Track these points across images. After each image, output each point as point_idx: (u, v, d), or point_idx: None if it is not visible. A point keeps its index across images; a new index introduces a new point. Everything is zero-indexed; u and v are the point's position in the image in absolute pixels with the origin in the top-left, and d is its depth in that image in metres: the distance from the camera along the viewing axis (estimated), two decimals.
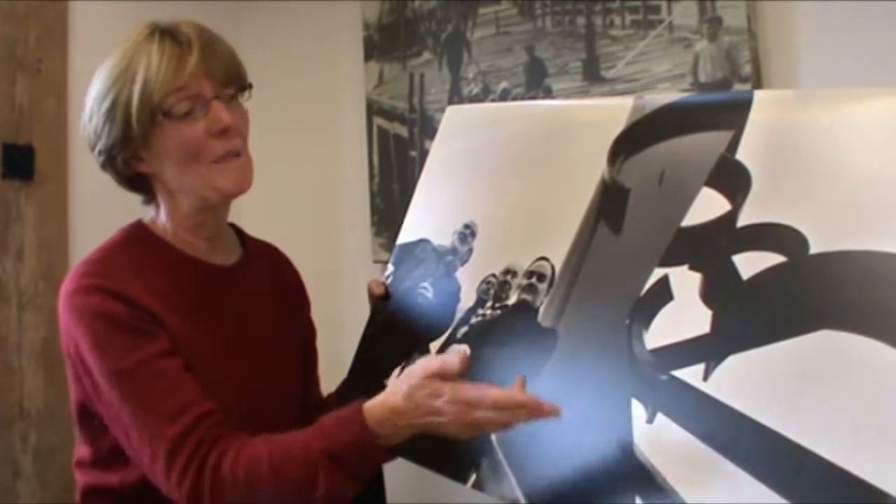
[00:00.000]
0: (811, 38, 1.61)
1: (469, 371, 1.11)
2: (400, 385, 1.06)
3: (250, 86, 1.25)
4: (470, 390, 1.00)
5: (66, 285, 1.17)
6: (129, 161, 1.20)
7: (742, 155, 0.96)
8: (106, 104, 1.17)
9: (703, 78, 1.68)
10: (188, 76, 1.15)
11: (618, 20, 1.81)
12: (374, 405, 1.06)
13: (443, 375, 1.02)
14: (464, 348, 1.11)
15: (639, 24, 1.77)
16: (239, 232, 1.40)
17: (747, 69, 1.63)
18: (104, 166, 1.22)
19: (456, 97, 2.07)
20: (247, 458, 1.06)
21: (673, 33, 1.72)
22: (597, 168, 1.10)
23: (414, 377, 1.04)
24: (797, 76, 1.62)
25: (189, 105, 1.16)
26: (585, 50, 1.85)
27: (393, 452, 1.07)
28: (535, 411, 0.97)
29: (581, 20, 1.86)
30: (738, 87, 1.64)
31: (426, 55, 2.14)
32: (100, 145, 1.19)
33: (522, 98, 1.94)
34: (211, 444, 1.07)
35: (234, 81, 1.21)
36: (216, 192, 1.21)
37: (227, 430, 1.09)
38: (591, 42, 1.84)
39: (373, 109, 2.24)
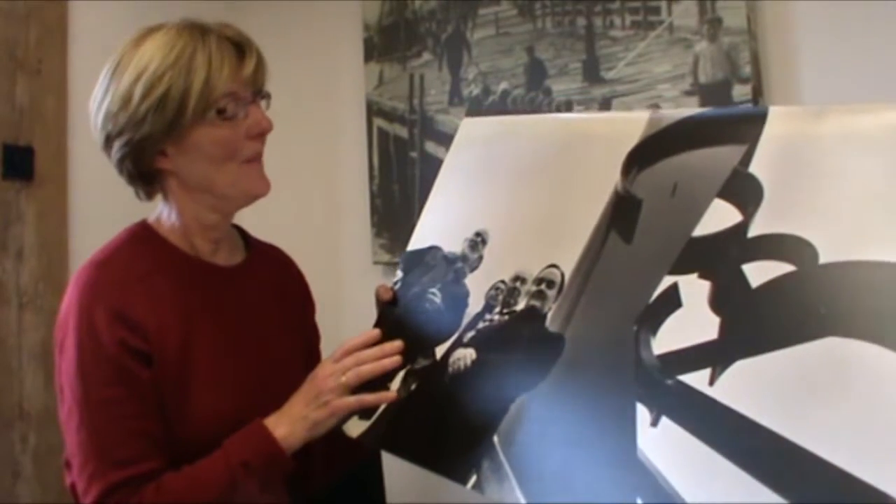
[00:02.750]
0: (811, 39, 1.61)
1: (476, 374, 1.12)
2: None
3: (269, 95, 1.28)
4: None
5: (75, 288, 1.18)
6: (154, 156, 1.20)
7: (755, 168, 0.96)
8: (156, 94, 1.15)
9: (703, 79, 1.69)
10: (243, 80, 1.20)
11: (618, 21, 1.81)
12: (272, 419, 1.19)
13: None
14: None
15: (639, 24, 1.77)
16: (243, 233, 1.40)
17: (747, 70, 1.64)
18: (122, 159, 1.21)
19: (456, 98, 2.07)
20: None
21: (673, 34, 1.72)
22: (610, 180, 1.10)
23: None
24: (797, 77, 1.63)
25: (236, 108, 1.19)
26: (585, 51, 1.85)
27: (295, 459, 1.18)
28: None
29: (581, 21, 1.86)
30: (739, 88, 1.64)
31: (426, 56, 2.14)
32: (131, 135, 1.17)
33: (522, 99, 1.94)
34: (134, 497, 1.12)
35: (263, 88, 1.25)
36: (245, 193, 1.24)
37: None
38: (591, 43, 1.85)
39: (373, 110, 2.24)
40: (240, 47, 1.21)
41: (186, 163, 1.21)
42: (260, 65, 1.23)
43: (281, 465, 1.16)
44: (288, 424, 1.17)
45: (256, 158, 1.23)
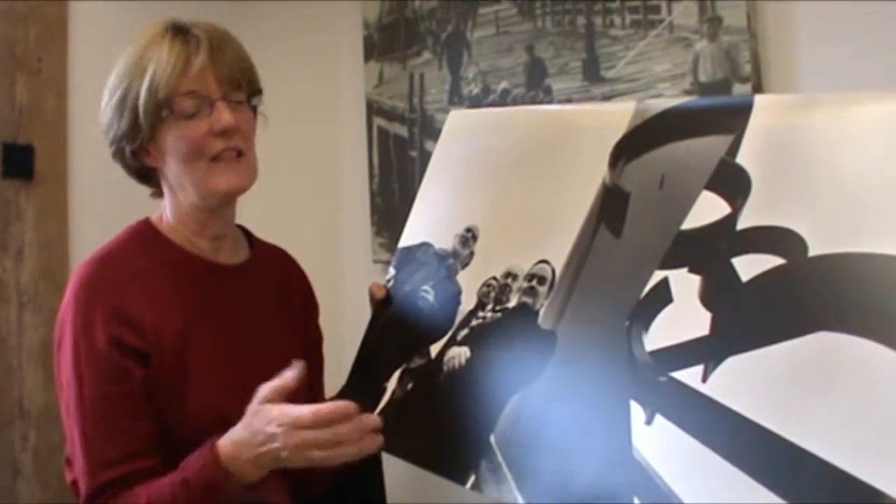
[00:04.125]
0: (811, 38, 1.61)
1: (471, 373, 1.12)
2: (244, 417, 1.09)
3: (260, 91, 1.27)
4: (291, 407, 1.04)
5: (73, 285, 1.20)
6: (136, 153, 1.23)
7: (742, 158, 0.96)
8: (117, 96, 1.20)
9: (703, 78, 1.68)
10: (195, 77, 1.18)
11: (618, 20, 1.81)
12: (223, 440, 1.09)
13: (275, 397, 1.07)
14: (300, 365, 1.10)
15: (639, 23, 1.77)
16: (248, 234, 1.41)
17: (747, 69, 1.63)
18: (114, 156, 1.26)
19: (456, 97, 2.07)
20: None
21: (673, 33, 1.72)
22: (598, 172, 1.10)
23: (252, 406, 1.08)
24: (797, 76, 1.62)
25: (195, 106, 1.19)
26: (585, 50, 1.85)
27: (250, 489, 1.09)
28: (350, 415, 1.03)
29: (581, 20, 1.86)
30: (739, 87, 1.64)
31: (426, 55, 2.14)
32: (110, 135, 1.23)
33: (522, 98, 1.94)
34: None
35: (242, 86, 1.24)
36: (211, 192, 1.22)
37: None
38: (591, 42, 1.84)
39: (373, 109, 2.24)
40: (196, 44, 1.20)
41: (165, 161, 1.23)
42: (220, 59, 1.20)
43: (216, 482, 1.09)
44: (238, 460, 1.08)
45: (227, 155, 1.21)
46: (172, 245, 1.27)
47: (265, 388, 1.08)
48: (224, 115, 1.19)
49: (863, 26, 1.54)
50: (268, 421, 1.05)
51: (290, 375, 1.08)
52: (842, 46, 1.56)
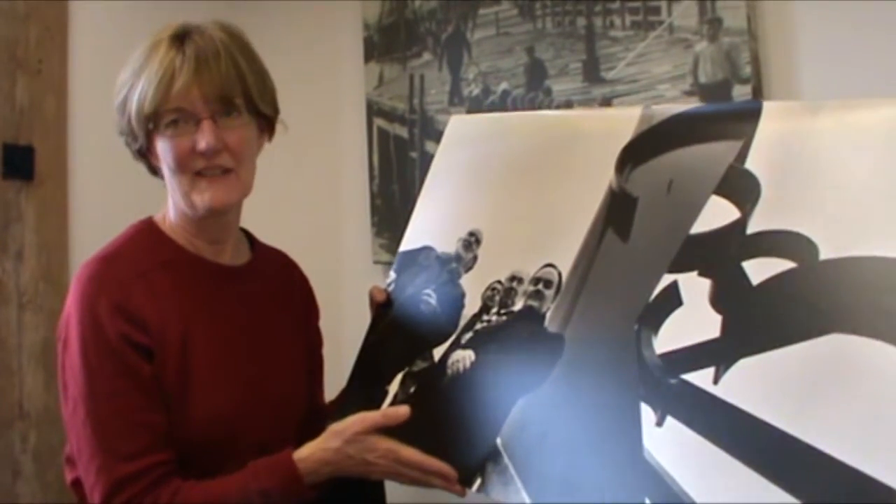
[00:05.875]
0: (811, 40, 1.61)
1: (476, 376, 1.12)
2: (330, 441, 1.16)
3: (264, 101, 1.26)
4: (404, 451, 1.12)
5: (78, 283, 1.19)
6: (140, 150, 1.25)
7: (751, 164, 0.97)
8: (119, 98, 1.22)
9: (703, 79, 1.68)
10: (179, 94, 1.17)
11: (618, 21, 1.81)
12: (304, 457, 1.16)
13: (380, 428, 1.14)
14: (405, 409, 1.16)
15: (639, 25, 1.77)
16: (249, 236, 1.41)
17: (747, 70, 1.63)
18: (125, 145, 1.27)
19: (456, 98, 2.07)
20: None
21: (673, 34, 1.72)
22: (604, 177, 1.10)
23: (347, 433, 1.14)
24: (797, 77, 1.62)
25: (181, 121, 1.18)
26: (585, 51, 1.85)
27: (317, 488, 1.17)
28: (447, 480, 1.10)
29: (581, 21, 1.86)
30: (739, 89, 1.64)
31: (426, 56, 2.14)
32: (118, 128, 1.25)
33: (522, 99, 1.94)
34: (148, 495, 1.12)
35: (234, 101, 1.21)
36: (192, 206, 1.22)
37: (167, 482, 1.14)
38: (591, 43, 1.84)
39: (373, 110, 2.24)
40: (185, 58, 1.18)
41: (161, 166, 1.24)
42: (206, 76, 1.18)
43: (298, 494, 1.16)
44: (315, 474, 1.16)
45: (208, 172, 1.20)
46: (175, 245, 1.27)
47: (370, 418, 1.15)
48: (205, 138, 1.17)
49: (862, 27, 1.54)
50: (370, 450, 1.14)
51: (403, 412, 1.15)
52: (842, 47, 1.56)
